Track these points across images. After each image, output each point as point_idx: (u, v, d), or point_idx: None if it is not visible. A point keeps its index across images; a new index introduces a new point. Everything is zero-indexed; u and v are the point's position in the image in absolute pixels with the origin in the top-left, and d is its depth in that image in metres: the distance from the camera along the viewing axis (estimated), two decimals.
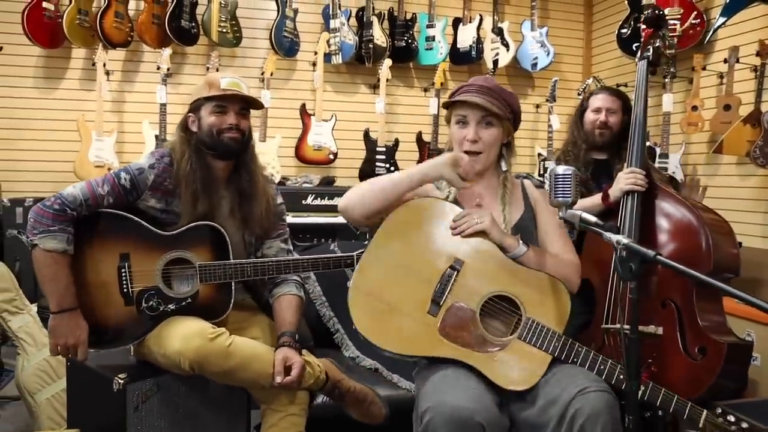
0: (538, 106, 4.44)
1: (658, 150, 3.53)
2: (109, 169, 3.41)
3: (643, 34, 3.56)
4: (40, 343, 2.23)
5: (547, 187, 1.47)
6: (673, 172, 3.51)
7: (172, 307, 1.71)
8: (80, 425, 1.68)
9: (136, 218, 1.72)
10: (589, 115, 2.36)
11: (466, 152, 1.61)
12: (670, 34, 3.35)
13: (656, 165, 3.50)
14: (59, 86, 3.69)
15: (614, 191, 2.03)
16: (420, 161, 4.05)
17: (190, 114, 1.81)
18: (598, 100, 2.35)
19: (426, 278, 1.51)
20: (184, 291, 1.74)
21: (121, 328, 1.70)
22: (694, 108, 3.38)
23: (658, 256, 1.05)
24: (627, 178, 1.99)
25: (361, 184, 1.62)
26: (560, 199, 1.35)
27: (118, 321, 1.70)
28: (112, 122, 3.68)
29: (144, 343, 1.72)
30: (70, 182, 2.29)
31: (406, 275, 1.52)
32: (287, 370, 1.65)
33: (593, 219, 1.29)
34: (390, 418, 1.78)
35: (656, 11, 2.17)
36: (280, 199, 1.97)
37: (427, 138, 4.06)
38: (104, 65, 3.53)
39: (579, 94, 4.07)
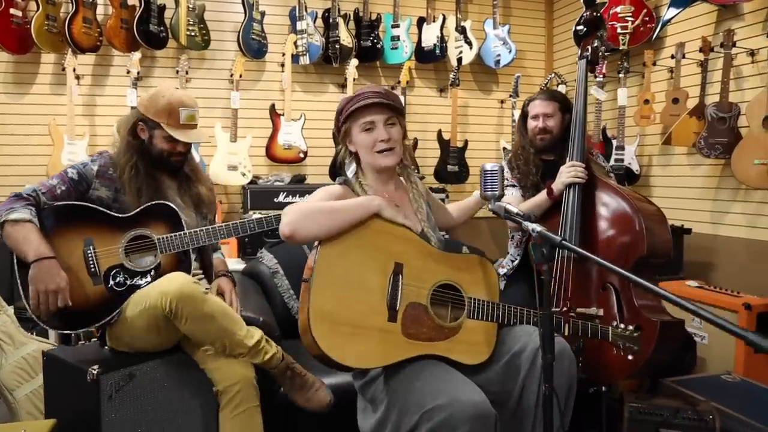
0: (502, 102, 4.59)
1: (614, 142, 3.70)
2: None
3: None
4: (18, 341, 2.32)
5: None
6: (629, 164, 3.68)
7: (138, 280, 1.88)
8: (57, 416, 1.77)
9: (94, 206, 1.91)
10: (530, 122, 2.47)
11: (380, 152, 1.69)
12: (623, 31, 3.56)
13: (613, 157, 3.67)
14: (30, 91, 3.73)
15: (557, 185, 2.17)
16: None
17: (140, 122, 2.00)
18: (535, 107, 2.46)
19: (376, 288, 1.56)
20: (148, 264, 1.91)
21: (94, 307, 1.83)
22: (646, 101, 3.55)
23: (563, 241, 1.18)
24: (568, 172, 2.14)
25: (299, 209, 1.56)
26: (489, 192, 1.49)
27: (91, 301, 1.83)
28: (83, 126, 3.74)
29: (119, 320, 1.84)
30: None
31: (357, 292, 1.54)
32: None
33: (515, 210, 1.43)
34: (334, 406, 1.92)
35: (594, 13, 2.31)
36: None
37: None
38: (74, 70, 3.57)
39: (541, 89, 4.23)
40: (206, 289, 2.08)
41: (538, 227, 1.25)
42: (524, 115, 2.51)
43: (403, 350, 1.54)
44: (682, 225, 3.31)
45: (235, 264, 3.20)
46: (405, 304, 1.57)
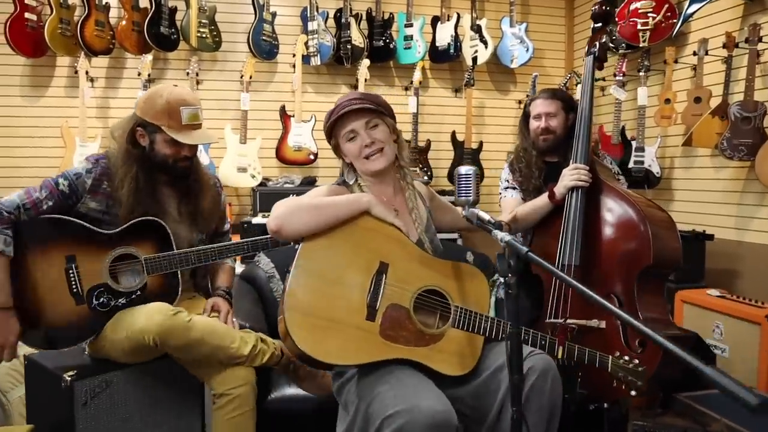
0: (520, 102, 4.45)
1: (634, 144, 3.54)
2: None
3: (618, 28, 3.59)
4: None
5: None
6: (649, 166, 3.52)
7: (122, 301, 1.79)
8: (36, 422, 1.75)
9: (77, 221, 1.78)
10: (532, 123, 2.36)
11: (368, 157, 1.65)
12: (644, 28, 3.40)
13: (632, 159, 3.52)
14: (45, 94, 3.78)
15: (559, 188, 2.06)
16: None
17: (138, 128, 1.85)
18: (537, 107, 2.35)
19: (357, 286, 1.52)
20: (133, 284, 1.82)
21: (74, 326, 1.76)
22: (667, 101, 3.39)
23: (529, 253, 1.09)
24: (571, 175, 2.03)
25: (288, 204, 1.56)
26: (462, 198, 1.41)
27: (71, 320, 1.75)
28: (96, 128, 3.77)
29: (100, 337, 1.79)
30: None
31: (337, 287, 1.51)
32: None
33: (487, 217, 1.34)
34: (324, 411, 1.84)
35: (603, 7, 2.19)
36: (224, 196, 2.11)
37: (407, 136, 4.10)
38: (87, 73, 3.61)
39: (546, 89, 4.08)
40: (192, 296, 2.04)
41: (507, 236, 1.16)
42: (526, 116, 2.39)
43: (378, 351, 1.48)
44: (704, 231, 3.14)
45: (236, 268, 3.16)
46: (386, 304, 1.51)
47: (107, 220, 1.84)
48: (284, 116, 3.94)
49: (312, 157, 3.95)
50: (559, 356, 1.55)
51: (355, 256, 1.54)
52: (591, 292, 1.01)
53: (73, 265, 1.76)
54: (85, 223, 1.79)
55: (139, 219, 1.82)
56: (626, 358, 1.59)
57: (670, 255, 1.95)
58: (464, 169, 1.43)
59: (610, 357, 1.60)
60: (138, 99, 1.92)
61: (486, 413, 1.48)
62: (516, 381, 1.12)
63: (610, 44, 3.51)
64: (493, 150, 4.34)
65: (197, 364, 1.81)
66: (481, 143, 4.21)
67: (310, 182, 3.94)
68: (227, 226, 2.18)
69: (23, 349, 2.33)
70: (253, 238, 1.98)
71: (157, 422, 1.82)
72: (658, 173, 3.51)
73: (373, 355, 1.48)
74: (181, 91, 1.89)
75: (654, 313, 1.92)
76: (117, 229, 1.81)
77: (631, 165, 3.50)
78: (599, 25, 2.15)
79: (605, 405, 1.94)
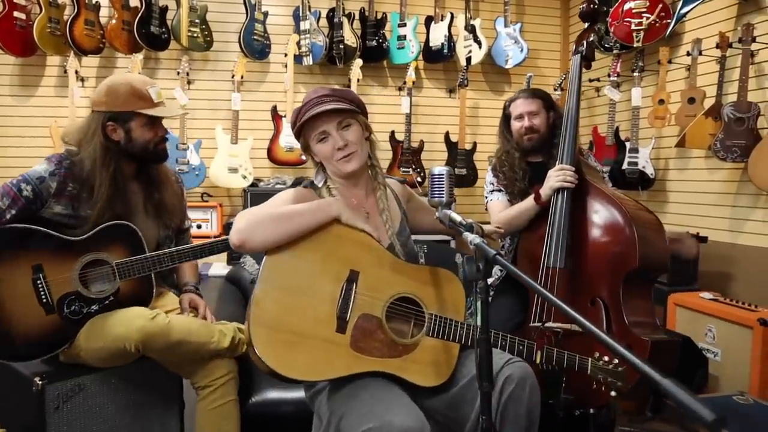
0: None
1: (628, 145, 3.50)
2: None
3: (612, 28, 3.56)
4: None
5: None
6: (643, 167, 3.48)
7: (95, 307, 1.73)
8: (7, 426, 1.72)
9: (43, 229, 1.70)
10: (514, 124, 2.31)
11: (341, 159, 1.57)
12: (638, 28, 3.37)
13: (626, 160, 3.48)
14: (34, 94, 3.76)
15: (545, 190, 2.02)
16: (393, 160, 4.06)
17: (109, 123, 1.78)
18: (518, 107, 2.30)
19: (326, 296, 1.45)
20: (105, 290, 1.75)
21: (46, 337, 1.69)
22: (661, 102, 3.35)
23: (497, 256, 1.05)
24: (556, 176, 1.99)
25: (251, 216, 1.47)
26: (436, 198, 1.38)
27: (43, 331, 1.68)
28: None
29: (73, 346, 1.73)
30: None
31: (305, 298, 1.43)
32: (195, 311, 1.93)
33: (459, 219, 1.30)
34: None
35: (591, 5, 2.15)
36: (185, 192, 2.10)
37: (399, 137, 4.07)
38: (76, 72, 3.59)
39: (555, 90, 4.05)
40: (159, 291, 1.99)
41: (477, 239, 1.12)
42: (506, 118, 2.35)
43: (349, 365, 1.42)
44: (698, 233, 3.10)
45: (221, 269, 3.14)
46: (357, 315, 1.45)
47: (73, 224, 1.76)
48: (276, 116, 3.91)
49: (303, 157, 3.90)
50: (538, 361, 1.50)
51: (324, 264, 1.46)
52: (555, 298, 0.98)
53: (41, 275, 1.68)
54: (50, 231, 1.70)
55: (109, 224, 1.76)
56: (606, 359, 1.54)
57: (656, 258, 1.91)
58: (437, 170, 1.39)
59: (590, 359, 1.56)
60: (93, 99, 1.84)
61: (464, 423, 1.44)
62: (485, 389, 1.08)
63: (603, 44, 3.49)
64: (488, 151, 4.29)
65: (179, 364, 1.79)
66: (475, 144, 4.18)
67: (301, 183, 3.90)
68: (188, 223, 2.14)
69: None
70: (224, 238, 1.92)
71: (134, 426, 1.78)
72: (652, 174, 3.47)
73: (344, 370, 1.42)
74: (135, 75, 1.91)
75: (640, 317, 1.88)
76: (85, 235, 1.74)
77: (625, 166, 3.46)
78: (589, 24, 2.13)
79: (591, 410, 1.90)
